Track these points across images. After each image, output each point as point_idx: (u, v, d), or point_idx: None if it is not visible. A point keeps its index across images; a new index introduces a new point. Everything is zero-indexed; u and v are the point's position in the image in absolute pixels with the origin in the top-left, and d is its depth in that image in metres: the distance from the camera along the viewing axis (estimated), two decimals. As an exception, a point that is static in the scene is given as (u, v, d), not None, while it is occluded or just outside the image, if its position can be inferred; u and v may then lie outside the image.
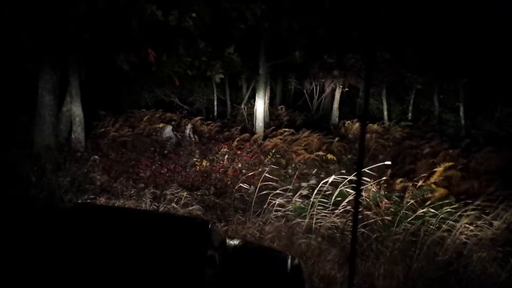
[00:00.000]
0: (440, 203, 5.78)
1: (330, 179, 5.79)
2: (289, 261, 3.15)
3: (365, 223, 5.59)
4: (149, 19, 6.60)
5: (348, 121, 16.10)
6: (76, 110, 9.65)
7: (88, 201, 6.45)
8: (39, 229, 2.73)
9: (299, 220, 5.57)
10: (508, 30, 12.42)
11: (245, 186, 7.48)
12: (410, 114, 18.68)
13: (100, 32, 7.01)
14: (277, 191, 6.04)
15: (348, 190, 5.77)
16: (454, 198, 5.93)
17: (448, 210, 5.61)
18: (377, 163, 9.11)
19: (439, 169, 7.53)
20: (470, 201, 5.92)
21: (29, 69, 9.13)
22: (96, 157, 8.87)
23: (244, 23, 8.71)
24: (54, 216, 3.06)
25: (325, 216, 5.54)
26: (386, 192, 6.87)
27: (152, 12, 6.61)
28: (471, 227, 5.43)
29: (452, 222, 5.46)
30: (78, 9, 6.17)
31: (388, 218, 5.71)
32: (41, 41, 7.71)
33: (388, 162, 6.12)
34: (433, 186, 6.88)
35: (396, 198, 6.40)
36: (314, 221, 5.47)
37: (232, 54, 9.44)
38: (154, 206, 6.13)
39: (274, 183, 7.35)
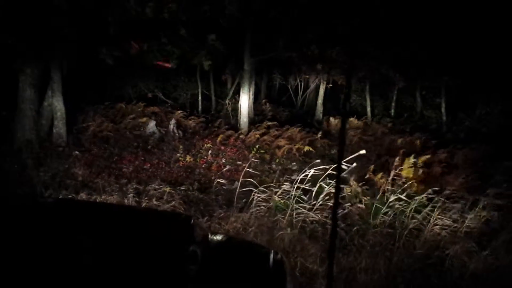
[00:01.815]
0: (419, 197, 5.89)
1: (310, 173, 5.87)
2: (272, 256, 3.17)
3: (345, 216, 5.67)
4: (123, 11, 6.53)
5: (332, 117, 16.21)
6: (58, 104, 9.51)
7: (70, 196, 6.37)
8: (19, 225, 2.70)
9: (281, 215, 5.61)
10: (490, 30, 12.63)
11: (229, 181, 7.50)
12: (393, 111, 18.89)
13: (81, 25, 6.93)
14: (261, 187, 6.07)
15: (324, 185, 5.84)
16: (430, 191, 6.06)
17: (423, 202, 5.75)
18: (360, 159, 9.28)
19: (410, 161, 7.68)
20: (446, 194, 6.07)
21: (10, 63, 8.97)
22: (78, 152, 8.76)
23: (228, 11, 8.65)
24: (34, 211, 3.03)
25: (306, 210, 5.60)
26: (366, 187, 6.97)
27: (123, 5, 6.53)
28: (446, 220, 5.57)
29: (426, 215, 5.61)
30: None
31: (368, 211, 5.81)
32: (22, 35, 7.58)
33: (363, 151, 6.21)
34: (408, 175, 7.01)
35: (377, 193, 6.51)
36: (295, 216, 5.52)
37: (214, 40, 9.39)
38: (136, 202, 6.10)
39: (258, 178, 7.38)
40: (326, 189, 5.77)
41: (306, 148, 10.35)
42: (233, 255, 3.19)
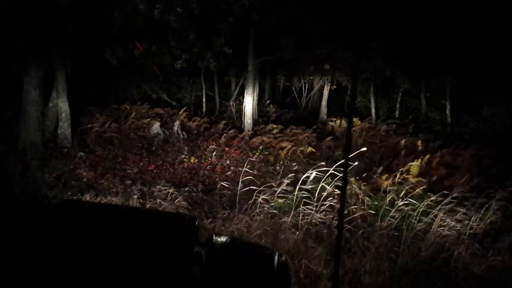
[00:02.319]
0: (426, 201, 5.86)
1: (312, 175, 5.86)
2: (276, 258, 3.16)
3: (350, 218, 5.66)
4: (133, 11, 6.56)
5: (336, 119, 16.19)
6: (63, 105, 9.54)
7: (74, 197, 6.39)
8: (24, 226, 2.70)
9: (285, 216, 5.60)
10: (495, 30, 12.59)
11: (233, 182, 7.49)
12: (397, 112, 18.83)
13: (85, 24, 6.94)
14: (263, 188, 6.07)
15: (326, 185, 5.84)
16: (433, 193, 6.05)
17: (429, 203, 5.72)
18: (364, 160, 9.26)
19: (415, 163, 7.66)
20: (450, 196, 6.05)
21: (14, 64, 9.00)
22: (83, 153, 8.78)
23: (232, 15, 8.69)
24: (39, 212, 3.03)
25: (310, 211, 5.59)
26: (370, 188, 6.96)
27: (134, 5, 6.55)
28: (451, 222, 5.55)
29: (433, 216, 5.58)
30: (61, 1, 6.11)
31: (372, 212, 5.80)
32: (27, 35, 7.61)
33: (364, 149, 6.23)
34: (413, 179, 6.98)
35: (382, 194, 6.49)
36: (300, 217, 5.51)
37: (222, 45, 9.45)
38: (141, 203, 6.11)
39: (262, 180, 7.38)
40: (327, 189, 5.77)
41: (310, 149, 10.34)
42: (237, 256, 3.18)
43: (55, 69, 9.42)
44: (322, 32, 12.11)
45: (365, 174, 7.75)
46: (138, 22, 6.87)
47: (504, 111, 16.52)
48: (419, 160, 7.84)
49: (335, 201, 5.74)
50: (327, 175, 5.91)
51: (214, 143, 10.43)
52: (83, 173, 7.66)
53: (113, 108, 13.77)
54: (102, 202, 6.03)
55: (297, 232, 5.29)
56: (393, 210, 5.67)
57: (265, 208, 5.77)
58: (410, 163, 7.77)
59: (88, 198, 6.23)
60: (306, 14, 11.25)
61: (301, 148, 10.43)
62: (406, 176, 7.32)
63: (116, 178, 7.52)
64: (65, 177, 7.41)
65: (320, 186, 5.81)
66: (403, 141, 12.10)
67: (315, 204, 5.71)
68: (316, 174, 5.95)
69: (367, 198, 6.29)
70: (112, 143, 10.00)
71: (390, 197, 5.98)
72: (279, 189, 6.00)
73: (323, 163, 6.18)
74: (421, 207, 5.65)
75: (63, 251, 2.46)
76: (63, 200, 5.83)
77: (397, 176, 7.04)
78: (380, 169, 8.20)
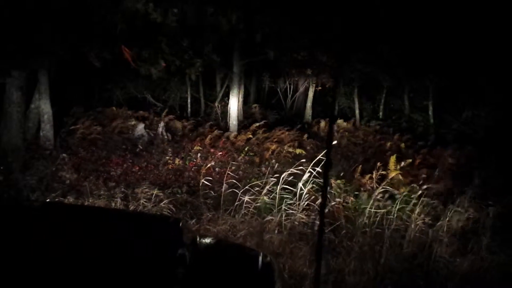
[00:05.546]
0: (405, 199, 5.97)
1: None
2: (260, 258, 3.18)
3: (333, 218, 5.72)
4: (134, 14, 6.55)
5: (321, 120, 16.31)
6: (45, 107, 9.41)
7: (57, 200, 6.32)
8: (6, 228, 2.68)
9: (269, 217, 5.63)
10: (477, 33, 12.80)
11: (218, 184, 7.49)
12: (381, 113, 19.03)
13: (68, 25, 6.86)
14: (248, 187, 6.11)
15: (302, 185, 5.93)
16: (413, 191, 6.17)
17: (408, 201, 5.84)
18: (347, 161, 9.35)
19: (396, 162, 7.77)
20: (429, 194, 6.16)
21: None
22: (65, 155, 8.67)
23: (220, 28, 8.78)
24: (21, 215, 3.00)
25: (292, 211, 5.66)
26: (351, 187, 7.04)
27: (140, 10, 6.56)
28: (429, 219, 5.66)
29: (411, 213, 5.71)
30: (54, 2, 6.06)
31: (354, 211, 5.89)
32: (8, 36, 7.49)
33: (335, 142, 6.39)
34: (394, 178, 7.09)
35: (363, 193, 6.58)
36: (283, 218, 5.56)
37: (211, 53, 9.50)
38: (124, 205, 6.07)
39: (247, 181, 7.39)
40: (299, 188, 5.86)
41: (295, 150, 10.39)
42: (221, 258, 3.19)
43: (37, 71, 9.29)
44: (302, 39, 12.20)
45: (342, 174, 7.83)
46: (135, 23, 6.87)
47: (485, 113, 16.81)
48: (399, 161, 7.95)
49: (316, 199, 5.82)
50: (313, 174, 5.97)
51: (199, 144, 10.40)
52: (66, 175, 7.57)
53: (96, 110, 13.62)
54: (84, 204, 5.97)
55: (276, 231, 5.34)
56: (375, 209, 5.75)
57: (250, 209, 5.80)
58: (391, 163, 7.87)
59: (70, 200, 6.16)
60: (286, 24, 11.31)
61: (286, 149, 10.48)
62: (386, 175, 7.41)
63: (99, 180, 7.44)
64: (48, 179, 7.31)
65: (300, 185, 5.88)
66: (385, 142, 12.25)
67: (297, 203, 5.77)
68: (296, 172, 6.04)
69: (349, 198, 6.36)
70: (96, 145, 9.90)
71: (371, 196, 6.06)
72: (265, 190, 6.04)
73: (307, 163, 6.23)
74: (400, 206, 5.75)
75: (46, 253, 2.44)
76: (45, 202, 5.77)
77: (377, 176, 7.13)
78: (360, 168, 8.30)
